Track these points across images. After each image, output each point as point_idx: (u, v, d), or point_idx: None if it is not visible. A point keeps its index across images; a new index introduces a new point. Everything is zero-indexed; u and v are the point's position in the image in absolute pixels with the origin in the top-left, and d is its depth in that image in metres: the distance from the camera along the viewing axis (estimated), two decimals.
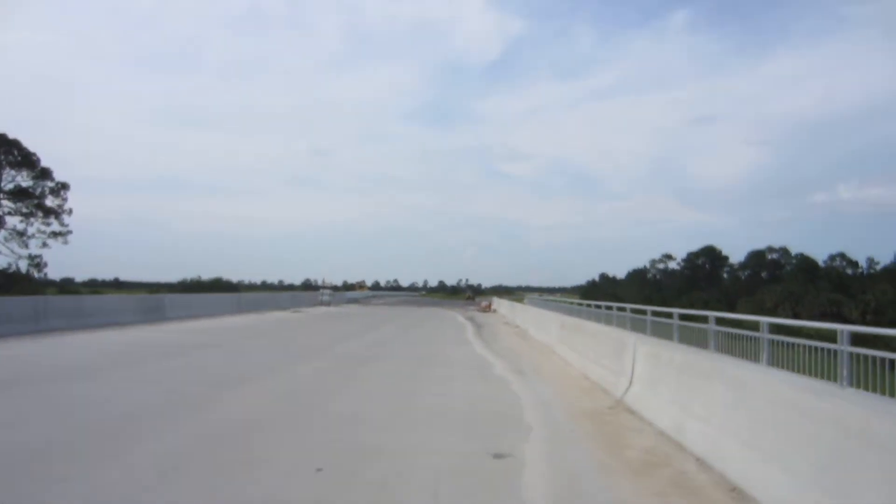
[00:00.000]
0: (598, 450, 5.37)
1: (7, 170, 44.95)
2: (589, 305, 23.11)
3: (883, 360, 6.68)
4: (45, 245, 45.86)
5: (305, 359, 11.65)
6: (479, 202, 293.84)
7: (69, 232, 46.82)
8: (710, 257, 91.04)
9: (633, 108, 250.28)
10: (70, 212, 46.99)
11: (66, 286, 68.18)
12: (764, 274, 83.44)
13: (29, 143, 45.35)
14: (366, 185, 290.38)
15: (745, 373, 5.21)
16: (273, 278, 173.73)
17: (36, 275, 46.20)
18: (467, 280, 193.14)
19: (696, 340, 11.77)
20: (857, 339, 7.36)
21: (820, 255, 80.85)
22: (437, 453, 5.15)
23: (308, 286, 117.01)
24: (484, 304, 48.89)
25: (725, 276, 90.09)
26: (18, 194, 45.08)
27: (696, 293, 72.31)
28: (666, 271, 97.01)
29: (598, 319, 19.15)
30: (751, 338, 9.74)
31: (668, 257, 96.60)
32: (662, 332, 13.68)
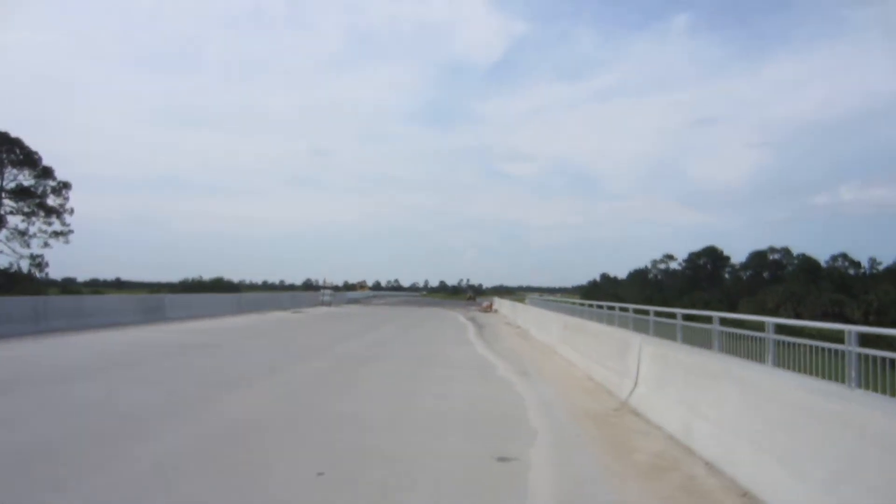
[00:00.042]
0: (604, 453, 5.27)
1: (9, 169, 44.95)
2: (591, 305, 23.02)
3: (884, 360, 6.61)
4: (46, 245, 45.94)
5: (306, 359, 11.56)
6: (479, 202, 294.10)
7: (70, 231, 46.88)
8: (711, 257, 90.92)
9: (634, 109, 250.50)
10: (71, 211, 47.06)
11: (68, 286, 68.21)
12: (766, 274, 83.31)
13: (30, 143, 45.41)
14: (367, 186, 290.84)
15: (754, 374, 5.11)
16: (274, 278, 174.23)
17: (37, 275, 46.20)
18: (468, 280, 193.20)
19: (699, 341, 11.68)
20: (863, 340, 7.28)
21: (822, 256, 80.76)
22: (439, 457, 5.05)
23: (309, 286, 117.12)
24: (485, 304, 48.79)
25: (727, 276, 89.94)
26: (20, 193, 45.10)
27: (698, 293, 72.19)
28: (667, 271, 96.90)
29: (599, 320, 19.07)
30: (755, 338, 9.65)
31: (670, 257, 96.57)
32: (665, 333, 13.59)
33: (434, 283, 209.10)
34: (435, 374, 10.03)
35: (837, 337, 8.87)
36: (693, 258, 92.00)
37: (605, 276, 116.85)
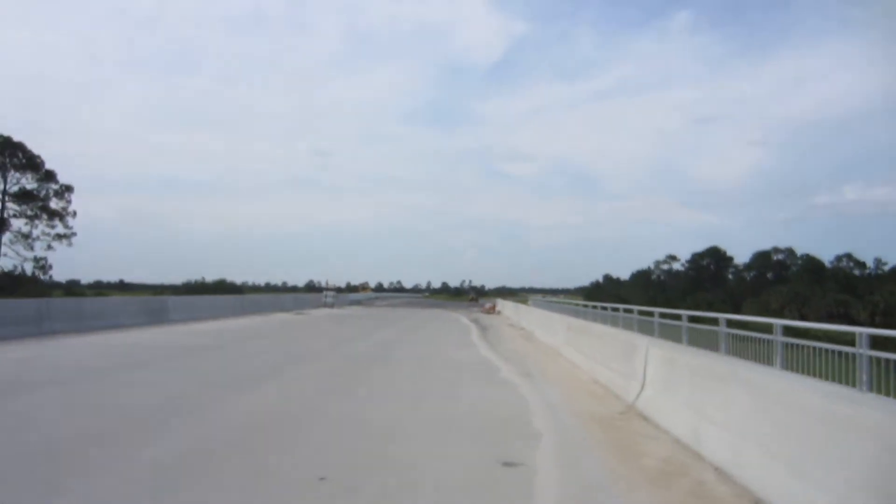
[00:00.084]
0: (611, 458, 5.18)
1: (12, 172, 45.08)
2: (595, 307, 22.87)
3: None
4: (49, 247, 46.09)
5: (308, 361, 11.49)
6: (480, 203, 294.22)
7: (73, 234, 47.00)
8: (714, 258, 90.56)
9: (634, 108, 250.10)
10: (74, 214, 47.18)
11: (72, 288, 68.40)
12: (769, 275, 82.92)
13: (32, 146, 45.55)
14: (368, 186, 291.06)
15: (765, 377, 5.01)
16: (276, 280, 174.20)
17: (41, 277, 46.33)
18: (470, 281, 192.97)
19: (704, 343, 11.55)
20: (873, 343, 7.16)
21: (826, 256, 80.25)
22: (444, 462, 4.96)
23: (311, 288, 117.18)
24: (488, 305, 48.66)
25: (730, 277, 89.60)
26: (23, 197, 45.23)
27: (701, 294, 71.94)
28: (670, 272, 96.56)
29: (603, 321, 18.93)
30: (762, 341, 9.53)
31: (672, 258, 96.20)
32: (670, 334, 13.46)
33: (436, 284, 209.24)
34: (438, 376, 9.94)
35: (844, 339, 8.77)
36: (696, 259, 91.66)
37: (607, 277, 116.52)
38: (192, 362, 10.93)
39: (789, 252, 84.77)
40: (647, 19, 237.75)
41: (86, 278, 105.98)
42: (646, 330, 15.02)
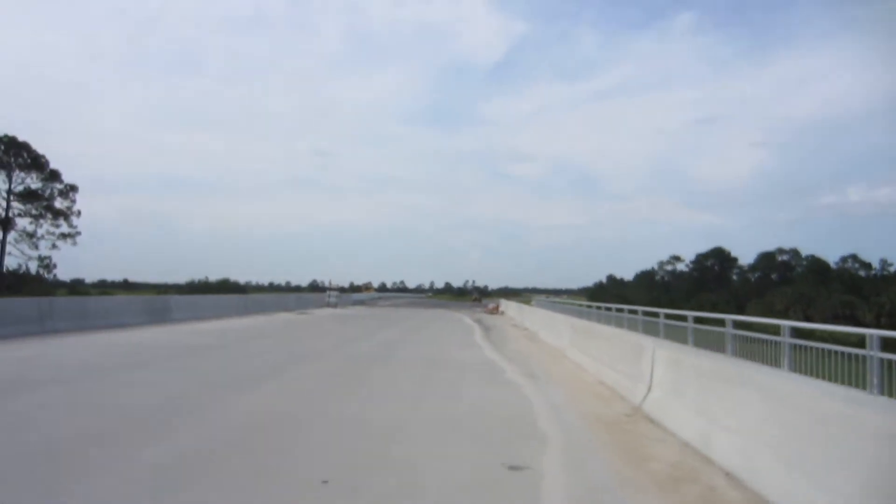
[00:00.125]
0: (619, 461, 5.08)
1: (17, 172, 45.24)
2: (599, 308, 22.75)
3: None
4: (54, 246, 46.26)
5: (311, 361, 11.42)
6: (483, 203, 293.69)
7: (78, 233, 47.17)
8: (718, 259, 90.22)
9: (636, 109, 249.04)
10: (78, 213, 47.35)
11: (77, 287, 68.65)
12: (774, 276, 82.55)
13: (37, 146, 45.71)
14: (370, 186, 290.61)
15: (776, 380, 4.91)
16: (280, 280, 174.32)
17: (46, 276, 46.46)
18: (473, 282, 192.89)
19: (710, 344, 11.44)
20: (883, 345, 7.04)
21: (831, 257, 79.86)
22: (448, 465, 4.87)
23: (315, 287, 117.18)
24: (491, 305, 48.54)
25: (734, 277, 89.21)
26: (28, 196, 45.38)
27: (705, 295, 71.63)
28: (674, 273, 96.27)
29: (608, 322, 18.82)
30: (767, 342, 9.41)
31: (676, 259, 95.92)
32: (675, 336, 13.35)
33: (439, 284, 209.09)
34: (442, 377, 9.86)
35: (849, 341, 8.65)
36: (700, 259, 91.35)
37: (610, 278, 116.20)
38: (194, 362, 10.87)
39: (794, 253, 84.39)
40: (648, 19, 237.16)
41: (90, 277, 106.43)
42: (650, 331, 14.92)
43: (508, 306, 40.33)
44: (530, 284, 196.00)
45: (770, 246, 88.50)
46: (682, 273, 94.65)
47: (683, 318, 13.18)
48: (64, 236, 46.53)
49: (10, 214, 44.69)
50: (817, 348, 8.08)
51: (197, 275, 78.11)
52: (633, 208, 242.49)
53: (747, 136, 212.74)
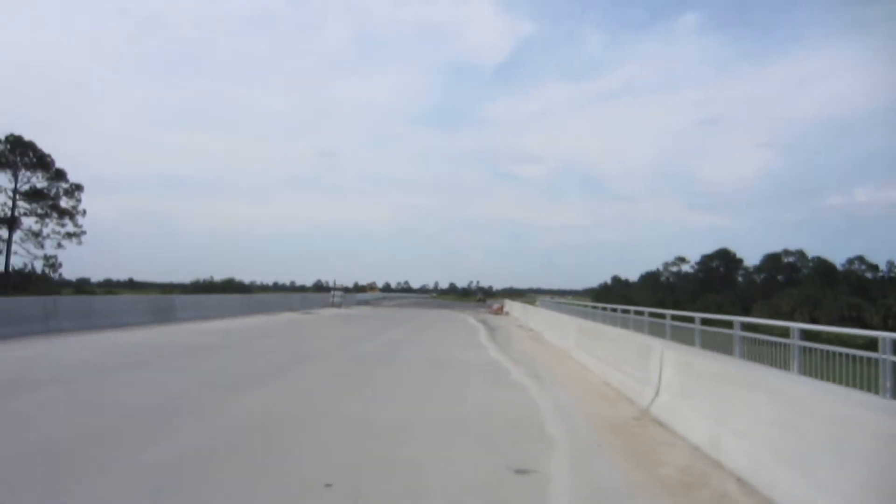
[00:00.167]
0: (627, 465, 4.97)
1: (23, 171, 45.39)
2: (604, 308, 22.61)
3: None
4: (60, 246, 46.36)
5: (315, 361, 11.35)
6: (487, 204, 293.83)
7: (83, 233, 47.29)
8: (724, 260, 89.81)
9: (642, 109, 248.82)
10: (84, 213, 47.45)
11: (82, 286, 68.96)
12: (780, 277, 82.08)
13: (42, 145, 45.84)
14: (374, 187, 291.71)
15: (788, 384, 4.80)
16: (285, 279, 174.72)
17: (52, 275, 46.59)
18: (478, 282, 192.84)
19: (715, 346, 11.31)
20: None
21: (837, 259, 79.37)
22: (453, 468, 4.78)
23: (319, 287, 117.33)
24: (496, 306, 48.42)
25: (740, 279, 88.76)
26: (34, 195, 45.51)
27: (711, 296, 71.29)
28: (679, 274, 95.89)
29: (613, 323, 18.67)
30: (777, 344, 9.28)
31: (682, 260, 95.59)
32: (681, 337, 13.21)
33: (444, 284, 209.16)
34: (447, 377, 9.77)
35: (855, 343, 8.51)
36: (705, 261, 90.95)
37: (615, 279, 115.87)
38: (197, 361, 10.82)
39: (800, 254, 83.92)
40: (653, 20, 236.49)
41: (96, 277, 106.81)
42: (656, 332, 14.77)
43: (513, 307, 40.21)
44: (535, 285, 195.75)
45: (776, 247, 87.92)
46: (687, 274, 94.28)
47: (690, 320, 13.04)
48: (69, 235, 46.67)
49: (16, 214, 44.86)
50: (823, 351, 7.96)
51: (202, 274, 78.17)
52: (638, 209, 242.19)
53: (753, 137, 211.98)
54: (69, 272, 52.29)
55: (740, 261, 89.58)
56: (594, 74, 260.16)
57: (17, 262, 44.84)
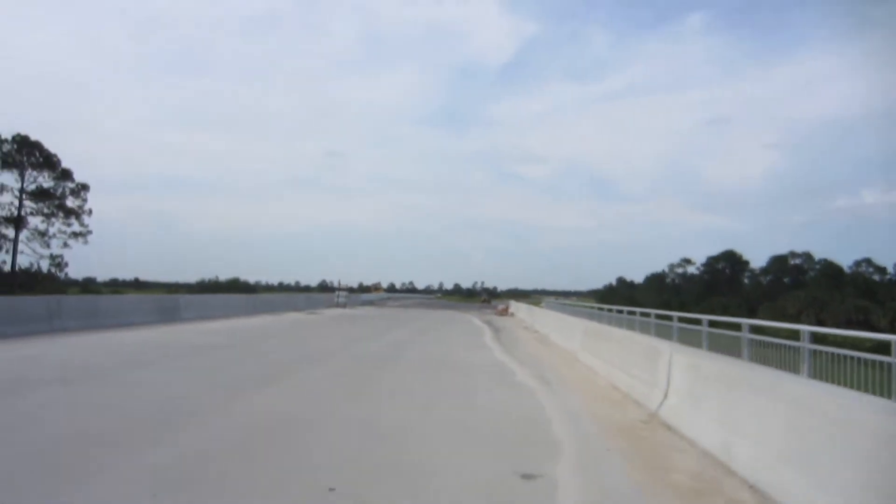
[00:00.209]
0: (637, 471, 4.87)
1: (29, 171, 45.57)
2: (610, 310, 22.46)
3: None
4: (66, 245, 46.47)
5: (319, 362, 11.28)
6: (492, 205, 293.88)
7: (89, 232, 47.39)
8: (730, 262, 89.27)
9: (647, 110, 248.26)
10: (90, 212, 47.55)
11: (88, 286, 69.16)
12: (786, 279, 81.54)
13: (49, 145, 46.01)
14: (379, 187, 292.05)
15: (803, 388, 4.68)
16: (289, 279, 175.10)
17: (58, 274, 46.75)
18: (482, 283, 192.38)
19: (721, 348, 11.18)
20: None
21: (844, 261, 78.69)
22: (459, 472, 4.69)
23: (324, 287, 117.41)
24: (501, 307, 48.27)
25: (746, 281, 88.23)
26: (40, 195, 45.66)
27: (717, 298, 70.88)
28: (685, 276, 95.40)
29: (619, 325, 18.54)
30: (786, 347, 9.14)
31: (687, 261, 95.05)
32: (687, 339, 13.07)
33: (448, 285, 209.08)
34: (452, 379, 9.68)
35: (864, 346, 8.37)
36: (711, 262, 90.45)
37: (621, 280, 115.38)
38: (201, 361, 10.78)
39: (807, 256, 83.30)
40: (659, 20, 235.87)
41: (102, 276, 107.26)
42: (662, 334, 14.63)
43: (518, 308, 40.07)
44: (539, 286, 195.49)
45: (782, 249, 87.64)
46: (692, 276, 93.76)
47: (697, 322, 12.91)
48: (75, 235, 46.79)
49: (23, 213, 45.05)
50: (830, 353, 7.83)
51: (207, 274, 78.46)
52: (644, 210, 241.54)
53: (759, 138, 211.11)
54: (75, 272, 52.65)
55: (746, 262, 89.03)
56: (599, 75, 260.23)
57: (23, 261, 45.05)
